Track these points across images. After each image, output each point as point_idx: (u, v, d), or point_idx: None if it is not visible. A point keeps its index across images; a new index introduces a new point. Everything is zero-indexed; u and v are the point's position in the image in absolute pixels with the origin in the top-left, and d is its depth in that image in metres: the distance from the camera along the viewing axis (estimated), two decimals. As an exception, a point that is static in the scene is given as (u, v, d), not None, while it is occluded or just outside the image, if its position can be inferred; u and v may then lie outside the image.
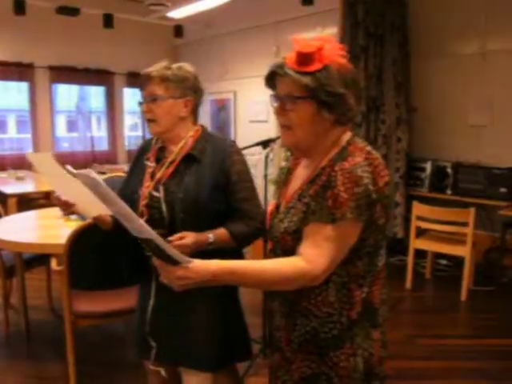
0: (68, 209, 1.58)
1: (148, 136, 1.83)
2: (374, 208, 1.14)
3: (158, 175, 1.64)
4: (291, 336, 1.27)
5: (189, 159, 1.63)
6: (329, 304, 1.21)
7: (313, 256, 1.13)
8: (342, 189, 1.13)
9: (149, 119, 1.65)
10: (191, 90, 1.66)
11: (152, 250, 1.09)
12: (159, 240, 1.06)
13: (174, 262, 1.08)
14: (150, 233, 1.06)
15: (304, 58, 1.16)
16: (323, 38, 1.21)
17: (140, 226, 1.08)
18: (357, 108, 1.23)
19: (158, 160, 1.69)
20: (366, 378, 1.24)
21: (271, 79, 1.27)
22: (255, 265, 1.15)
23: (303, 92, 1.18)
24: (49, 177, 1.66)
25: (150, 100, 1.63)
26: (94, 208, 1.53)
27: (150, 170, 1.68)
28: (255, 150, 2.81)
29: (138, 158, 1.78)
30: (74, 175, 1.14)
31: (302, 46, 1.17)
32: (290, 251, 1.20)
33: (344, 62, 1.20)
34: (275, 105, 1.26)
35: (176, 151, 1.65)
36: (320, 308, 1.21)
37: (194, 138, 1.66)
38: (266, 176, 2.86)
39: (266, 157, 2.89)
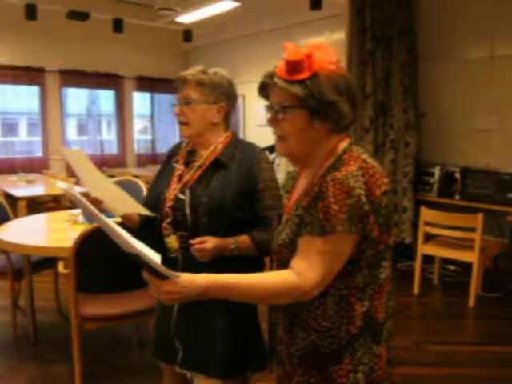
0: (97, 206, 1.59)
1: (158, 140, 1.84)
2: (366, 220, 1.09)
3: (186, 178, 1.65)
4: (291, 350, 1.24)
5: (217, 164, 1.64)
6: (327, 318, 1.17)
7: (304, 269, 1.09)
8: (332, 200, 1.08)
9: (181, 122, 1.65)
10: (225, 96, 1.67)
11: (140, 264, 1.07)
12: (144, 255, 1.03)
13: (162, 277, 1.06)
14: (135, 248, 1.04)
15: (293, 67, 1.13)
16: (314, 45, 1.18)
17: (124, 240, 1.05)
18: (353, 115, 1.19)
19: (187, 163, 1.70)
20: None
21: (263, 89, 1.26)
22: (246, 279, 1.11)
23: (293, 101, 1.15)
24: (80, 173, 1.69)
25: (183, 103, 1.64)
26: (123, 206, 1.56)
27: (177, 173, 1.69)
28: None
29: (167, 161, 1.80)
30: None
31: (290, 53, 1.14)
32: (286, 265, 1.16)
33: (335, 69, 1.17)
34: (268, 115, 1.24)
35: (205, 156, 1.66)
36: (319, 322, 1.18)
37: (223, 144, 1.67)
38: (272, 181, 2.86)
39: (273, 162, 2.90)
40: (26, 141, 8.35)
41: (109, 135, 8.69)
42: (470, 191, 4.47)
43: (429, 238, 4.16)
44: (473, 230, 3.77)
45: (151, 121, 8.73)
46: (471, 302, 3.88)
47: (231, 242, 1.55)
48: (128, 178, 4.47)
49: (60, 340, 3.18)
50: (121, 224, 1.67)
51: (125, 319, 2.56)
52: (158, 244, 1.67)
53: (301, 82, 1.13)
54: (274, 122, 1.22)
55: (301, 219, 1.16)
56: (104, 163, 8.02)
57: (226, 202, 1.57)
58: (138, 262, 1.06)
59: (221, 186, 1.60)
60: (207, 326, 1.64)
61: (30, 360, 2.96)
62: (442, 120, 4.95)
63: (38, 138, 7.56)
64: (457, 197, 4.56)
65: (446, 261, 4.46)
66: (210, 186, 1.61)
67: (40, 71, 7.15)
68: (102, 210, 1.58)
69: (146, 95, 8.65)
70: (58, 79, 7.38)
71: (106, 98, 8.31)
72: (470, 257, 3.84)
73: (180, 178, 1.67)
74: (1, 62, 6.85)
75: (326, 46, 1.19)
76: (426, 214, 4.00)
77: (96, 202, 1.58)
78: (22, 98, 7.58)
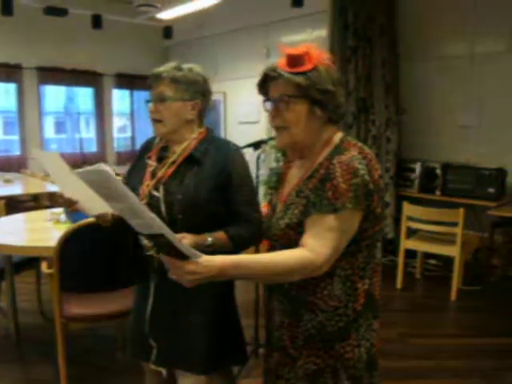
0: (71, 206, 1.59)
1: (138, 138, 1.82)
2: (371, 198, 1.20)
3: (159, 174, 1.63)
4: (295, 333, 1.30)
5: (190, 160, 1.62)
6: (335, 297, 1.25)
7: (316, 246, 1.16)
8: (340, 180, 1.18)
9: (155, 119, 1.64)
10: (200, 94, 1.65)
11: (161, 245, 1.08)
12: (170, 235, 1.05)
13: (184, 257, 1.07)
14: (162, 227, 1.05)
15: (295, 60, 1.23)
16: (307, 45, 1.28)
17: (151, 220, 1.07)
18: (345, 106, 1.31)
19: (160, 159, 1.69)
20: (368, 367, 1.29)
21: (263, 84, 1.32)
22: (260, 257, 1.19)
23: (296, 91, 1.24)
24: (53, 174, 1.66)
25: (157, 100, 1.62)
26: (97, 205, 1.54)
27: (150, 169, 1.67)
28: (246, 151, 2.80)
29: (139, 157, 1.78)
30: (79, 173, 1.13)
31: (291, 49, 1.25)
32: (292, 246, 1.22)
33: (329, 63, 1.28)
34: (269, 108, 1.31)
35: (178, 152, 1.64)
36: (327, 302, 1.25)
37: (197, 140, 1.66)
38: (257, 177, 2.86)
39: (258, 158, 2.90)
40: (2, 139, 8.18)
41: (88, 133, 8.56)
42: (451, 186, 4.54)
43: (411, 232, 4.22)
44: (454, 224, 3.83)
45: (131, 118, 8.63)
46: (453, 295, 3.95)
47: (207, 238, 1.54)
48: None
49: (43, 341, 3.12)
50: (95, 223, 1.67)
51: (110, 319, 2.54)
52: (132, 243, 1.67)
53: (303, 74, 1.23)
54: (276, 113, 1.29)
55: (308, 200, 1.24)
56: (84, 162, 7.90)
57: (201, 199, 1.57)
58: (162, 242, 1.06)
59: (195, 183, 1.58)
60: (182, 321, 1.64)
61: (12, 362, 2.90)
62: (423, 116, 5.02)
63: (15, 137, 7.40)
64: (438, 192, 4.63)
65: (427, 255, 4.52)
66: (184, 183, 1.59)
67: (17, 68, 6.99)
68: (76, 210, 1.58)
69: (126, 92, 8.54)
70: (36, 76, 7.23)
71: (84, 96, 8.17)
72: (452, 251, 3.91)
73: (153, 174, 1.66)
74: (-24, 59, 6.69)
75: (317, 46, 1.29)
76: (409, 209, 4.05)
77: (70, 203, 1.57)
78: (-1, 96, 7.42)
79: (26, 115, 7.21)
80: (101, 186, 1.12)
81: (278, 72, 1.25)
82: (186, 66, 1.65)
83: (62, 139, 8.36)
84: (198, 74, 1.66)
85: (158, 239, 1.07)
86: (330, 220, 1.17)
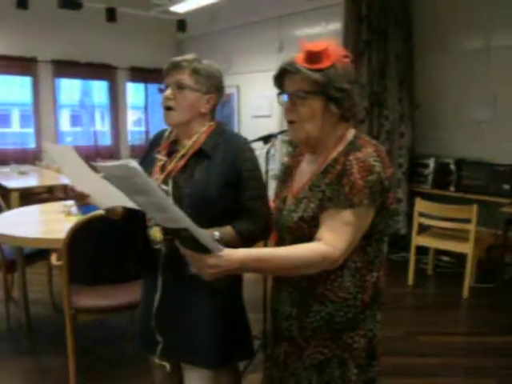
0: (82, 199, 1.57)
1: (151, 131, 1.81)
2: (386, 194, 1.24)
3: (168, 168, 1.62)
4: (304, 323, 1.33)
5: (200, 154, 1.61)
6: (345, 289, 1.28)
7: (332, 240, 1.19)
8: (358, 176, 1.20)
9: (169, 107, 1.61)
10: (216, 88, 1.65)
11: (184, 239, 1.10)
12: (194, 228, 1.06)
13: (206, 251, 1.08)
14: (186, 221, 1.06)
15: (313, 57, 1.25)
16: (326, 42, 1.29)
17: (177, 214, 1.08)
18: (360, 105, 1.32)
19: (170, 153, 1.67)
20: (368, 357, 1.33)
21: (280, 78, 1.33)
22: (279, 251, 1.22)
23: (313, 87, 1.26)
24: (64, 167, 1.67)
25: (176, 87, 1.60)
26: (109, 199, 1.54)
27: (160, 163, 1.66)
28: (256, 144, 2.78)
29: (149, 150, 1.76)
30: (104, 168, 1.12)
31: (311, 45, 1.26)
32: (304, 239, 1.25)
33: (347, 61, 1.30)
34: (284, 102, 1.32)
35: (188, 145, 1.63)
36: (336, 293, 1.29)
37: (206, 134, 1.64)
38: (267, 172, 2.84)
39: (268, 152, 2.88)
40: (18, 132, 8.29)
41: (102, 126, 8.62)
42: (465, 182, 4.48)
43: (424, 229, 4.17)
44: (467, 221, 3.78)
45: (145, 112, 8.66)
46: (465, 292, 3.90)
47: (215, 233, 1.52)
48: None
49: (54, 332, 3.16)
50: (104, 216, 1.68)
51: (119, 311, 2.56)
52: (141, 237, 1.66)
53: (320, 71, 1.25)
54: (291, 107, 1.31)
55: (323, 195, 1.26)
56: (97, 154, 7.96)
57: (210, 193, 1.55)
58: (184, 236, 1.08)
59: (204, 177, 1.57)
60: (189, 316, 1.64)
61: (23, 352, 2.95)
62: (437, 111, 4.94)
63: (30, 130, 7.49)
64: (451, 188, 4.57)
65: (440, 252, 4.47)
66: (193, 177, 1.58)
67: (32, 61, 7.06)
68: (87, 204, 1.58)
69: (140, 86, 8.57)
70: (51, 69, 7.29)
71: (99, 89, 8.23)
72: (465, 248, 3.86)
73: (162, 168, 1.64)
74: (-8, 52, 6.76)
75: (336, 42, 1.31)
76: (421, 205, 4.01)
77: (82, 196, 1.56)
78: (15, 89, 7.49)
79: (41, 108, 7.28)
80: (125, 181, 1.11)
81: (295, 67, 1.27)
82: (204, 60, 1.66)
83: (77, 132, 8.45)
84: (216, 69, 1.66)
85: (181, 233, 1.08)
86: (347, 215, 1.20)
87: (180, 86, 1.59)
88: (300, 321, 1.34)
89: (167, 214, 1.09)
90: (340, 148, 1.29)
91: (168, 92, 1.61)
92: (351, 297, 1.29)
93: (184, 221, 1.07)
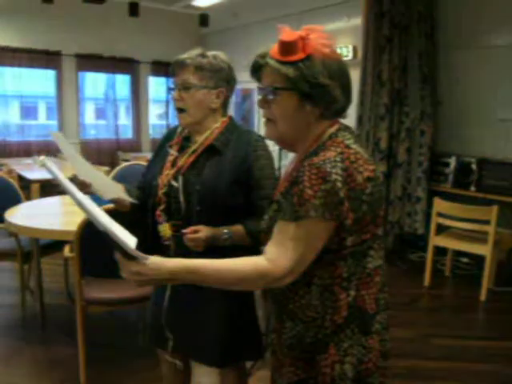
0: (84, 188, 1.57)
1: (173, 124, 1.80)
2: (341, 206, 1.05)
3: (179, 164, 1.62)
4: (281, 339, 1.21)
5: (211, 150, 1.59)
6: (313, 307, 1.14)
7: (275, 255, 1.06)
8: (307, 185, 1.04)
9: (180, 108, 1.61)
10: (225, 81, 1.62)
11: (111, 243, 1.05)
12: (113, 233, 1.01)
13: (131, 257, 1.04)
14: (105, 226, 1.01)
15: (286, 47, 1.10)
16: (311, 27, 1.14)
17: (93, 216, 1.03)
18: (345, 100, 1.15)
19: (182, 149, 1.67)
20: None
21: (256, 71, 1.21)
22: (216, 264, 1.08)
23: (284, 83, 1.12)
24: (68, 156, 1.69)
25: (182, 88, 1.59)
26: (110, 189, 1.55)
27: (171, 158, 1.65)
28: (270, 141, 2.78)
29: (162, 145, 1.76)
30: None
31: (285, 34, 1.11)
32: None
33: (330, 53, 1.13)
34: (258, 97, 1.20)
35: (200, 141, 1.62)
36: (304, 311, 1.15)
37: (219, 130, 1.62)
38: (279, 168, 2.83)
39: (280, 148, 2.85)
40: (43, 124, 8.44)
41: (127, 120, 8.70)
42: (486, 183, 4.36)
43: (442, 229, 4.08)
44: (487, 222, 3.69)
45: (166, 106, 8.72)
46: (482, 295, 3.81)
47: (224, 231, 1.52)
48: (140, 162, 4.47)
49: (67, 322, 3.21)
50: (112, 209, 1.68)
51: (129, 304, 2.58)
52: (151, 232, 1.66)
53: (293, 64, 1.10)
54: (263, 104, 1.18)
55: (279, 205, 1.13)
56: (119, 148, 8.06)
57: (220, 191, 1.53)
58: (109, 240, 1.03)
59: (214, 174, 1.55)
60: (200, 314, 1.63)
61: (36, 340, 3.00)
62: (460, 109, 4.82)
63: (54, 122, 7.62)
64: (472, 188, 4.45)
65: (459, 253, 4.38)
66: (204, 174, 1.57)
67: (56, 55, 7.18)
68: (89, 193, 1.57)
69: (162, 80, 8.63)
70: (75, 63, 7.41)
71: (122, 83, 8.32)
72: (483, 250, 3.76)
73: (174, 163, 1.64)
74: (18, 46, 6.90)
75: (322, 29, 1.14)
76: (439, 204, 3.93)
77: (84, 185, 1.56)
78: (39, 82, 7.64)
79: (64, 101, 7.41)
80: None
81: (264, 60, 1.14)
82: (210, 53, 1.62)
83: (100, 125, 8.55)
84: (223, 61, 1.62)
85: (105, 236, 1.03)
86: (293, 228, 1.06)
87: (185, 87, 1.58)
88: (279, 336, 1.23)
89: (89, 216, 1.05)
90: (312, 149, 1.14)
91: (175, 94, 1.61)
92: (319, 316, 1.13)
93: (101, 224, 1.01)
